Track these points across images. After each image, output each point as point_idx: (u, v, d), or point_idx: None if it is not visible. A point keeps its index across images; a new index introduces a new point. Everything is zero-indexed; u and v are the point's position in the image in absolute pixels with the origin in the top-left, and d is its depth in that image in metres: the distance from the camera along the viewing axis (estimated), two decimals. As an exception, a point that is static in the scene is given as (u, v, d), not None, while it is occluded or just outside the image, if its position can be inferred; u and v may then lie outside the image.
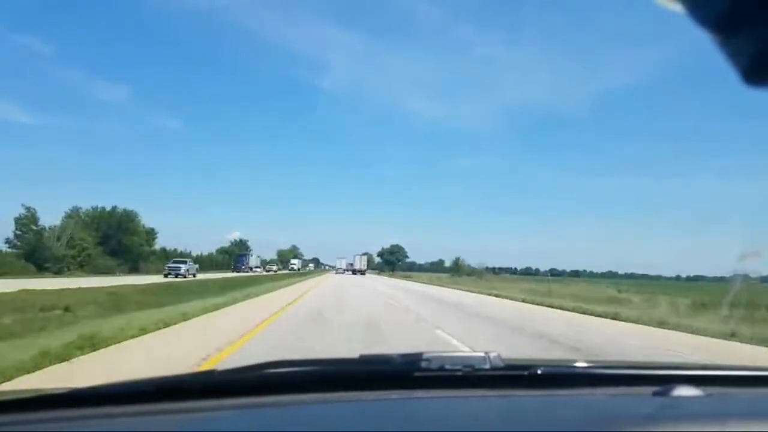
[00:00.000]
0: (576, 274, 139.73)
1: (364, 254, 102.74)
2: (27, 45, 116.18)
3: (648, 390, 1.24)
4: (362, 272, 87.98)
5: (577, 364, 1.51)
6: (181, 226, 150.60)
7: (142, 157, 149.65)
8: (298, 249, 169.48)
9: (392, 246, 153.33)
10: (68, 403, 1.12)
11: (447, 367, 1.29)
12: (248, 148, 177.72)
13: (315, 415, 1.13)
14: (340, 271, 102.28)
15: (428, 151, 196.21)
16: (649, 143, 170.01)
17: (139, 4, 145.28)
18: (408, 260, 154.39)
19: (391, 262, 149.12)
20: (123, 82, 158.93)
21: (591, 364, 1.51)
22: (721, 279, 34.46)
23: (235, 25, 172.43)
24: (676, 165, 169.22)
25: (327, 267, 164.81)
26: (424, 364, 1.28)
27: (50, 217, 51.47)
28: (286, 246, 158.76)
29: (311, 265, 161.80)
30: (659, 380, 1.33)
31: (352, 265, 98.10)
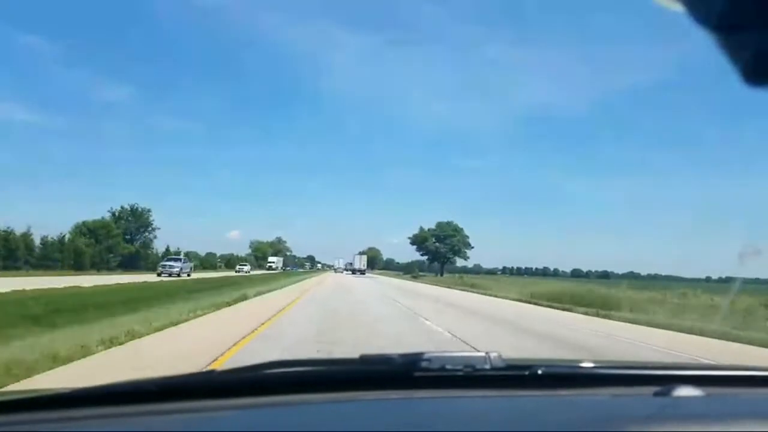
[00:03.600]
0: (605, 275, 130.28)
1: (364, 253, 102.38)
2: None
3: (649, 390, 1.24)
4: (362, 272, 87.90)
5: (578, 365, 1.51)
6: (173, 223, 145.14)
7: (142, 156, 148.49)
8: (284, 242, 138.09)
9: (440, 225, 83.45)
10: (69, 403, 1.12)
11: (448, 367, 1.28)
12: (247, 146, 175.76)
13: (315, 415, 1.13)
14: (339, 270, 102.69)
15: (431, 151, 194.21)
16: (667, 143, 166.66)
17: (138, 3, 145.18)
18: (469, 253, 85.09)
19: (440, 254, 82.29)
20: (125, 81, 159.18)
21: (592, 365, 1.51)
22: (756, 281, 33.02)
23: (231, 22, 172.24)
24: (702, 165, 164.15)
25: (324, 266, 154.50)
26: (424, 364, 1.28)
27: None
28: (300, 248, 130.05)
29: (274, 260, 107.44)
30: (660, 380, 1.33)
31: (351, 264, 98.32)
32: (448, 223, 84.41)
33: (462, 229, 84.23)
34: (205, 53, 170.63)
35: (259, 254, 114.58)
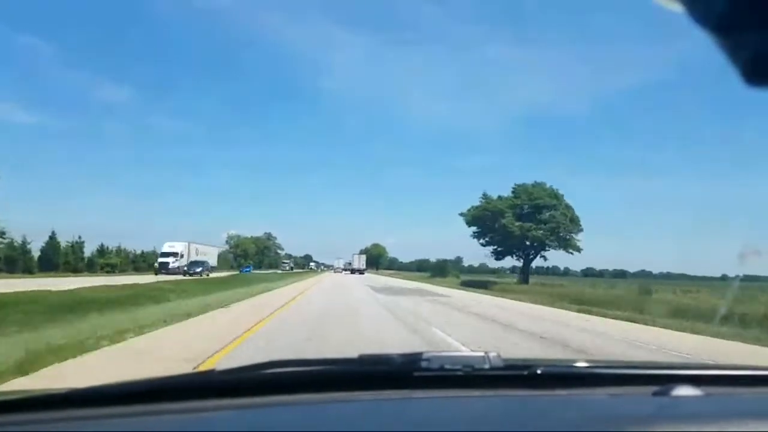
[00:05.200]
0: (622, 274, 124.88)
1: (365, 251, 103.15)
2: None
3: (648, 390, 1.25)
4: (361, 272, 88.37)
5: (577, 364, 1.51)
6: (168, 224, 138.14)
7: (138, 155, 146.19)
8: (274, 238, 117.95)
9: (524, 188, 45.15)
10: (68, 404, 1.12)
11: (447, 366, 1.28)
12: (247, 146, 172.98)
13: (314, 415, 1.13)
14: (339, 270, 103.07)
15: (431, 151, 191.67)
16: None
17: (138, 3, 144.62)
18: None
19: (534, 241, 43.90)
20: (125, 81, 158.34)
21: (591, 364, 1.51)
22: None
23: (230, 21, 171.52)
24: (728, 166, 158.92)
25: (321, 266, 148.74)
26: (423, 363, 1.28)
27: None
28: (304, 250, 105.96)
29: (178, 247, 49.09)
30: (659, 380, 1.34)
31: (350, 264, 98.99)
32: (539, 185, 44.94)
33: (563, 195, 44.89)
34: (204, 53, 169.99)
35: (239, 252, 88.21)
